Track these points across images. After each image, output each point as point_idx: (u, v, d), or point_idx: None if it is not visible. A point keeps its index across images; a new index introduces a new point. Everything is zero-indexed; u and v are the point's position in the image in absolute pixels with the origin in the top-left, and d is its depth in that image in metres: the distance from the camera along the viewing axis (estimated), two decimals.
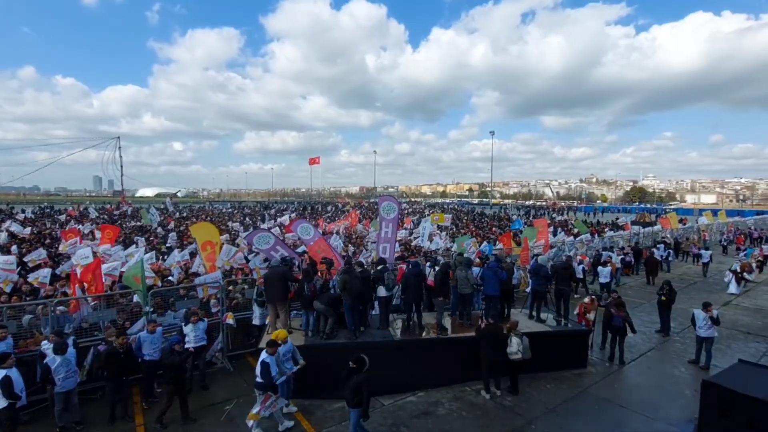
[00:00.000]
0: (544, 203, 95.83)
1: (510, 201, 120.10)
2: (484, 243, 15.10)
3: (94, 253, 12.63)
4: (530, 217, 38.49)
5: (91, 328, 7.96)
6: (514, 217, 37.66)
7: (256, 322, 8.99)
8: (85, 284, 8.88)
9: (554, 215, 45.20)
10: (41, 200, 71.89)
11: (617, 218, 38.72)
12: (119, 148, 60.19)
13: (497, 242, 18.09)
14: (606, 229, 27.26)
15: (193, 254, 13.82)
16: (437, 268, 8.91)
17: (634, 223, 31.47)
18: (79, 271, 9.43)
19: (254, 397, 7.59)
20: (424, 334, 8.48)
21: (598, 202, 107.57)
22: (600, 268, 14.66)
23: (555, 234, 22.64)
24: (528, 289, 10.24)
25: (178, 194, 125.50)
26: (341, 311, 8.18)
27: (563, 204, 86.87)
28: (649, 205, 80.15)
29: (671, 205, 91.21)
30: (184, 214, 37.93)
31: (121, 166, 60.07)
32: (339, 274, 8.20)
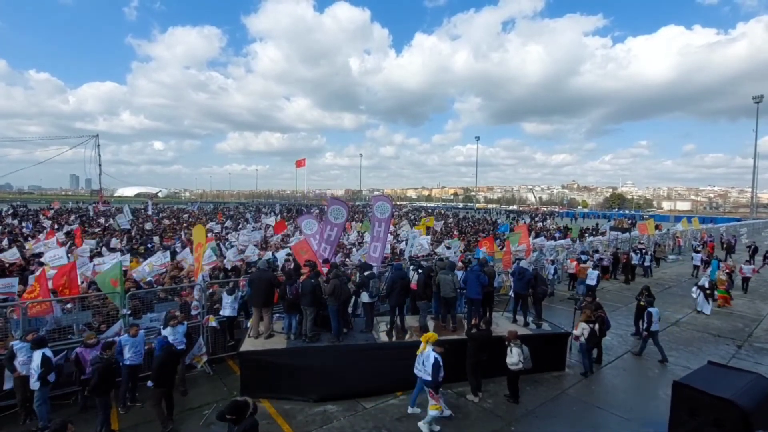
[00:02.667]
0: (527, 208, 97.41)
1: (494, 205, 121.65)
2: (483, 249, 15.23)
3: (69, 255, 12.30)
4: (514, 221, 39.10)
5: (65, 331, 7.74)
6: (500, 221, 38.17)
7: (225, 312, 8.86)
8: (47, 287, 8.56)
9: (537, 220, 45.96)
10: (14, 198, 69.48)
11: (597, 224, 39.63)
12: (98, 146, 58.65)
13: (479, 247, 18.32)
14: (586, 234, 27.89)
15: (174, 254, 13.61)
16: (420, 271, 8.96)
17: (612, 228, 32.27)
18: (51, 272, 9.16)
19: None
20: (407, 336, 8.54)
21: (579, 207, 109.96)
22: (589, 270, 14.93)
23: (535, 238, 23.05)
24: (511, 293, 10.39)
25: (159, 194, 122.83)
26: (324, 313, 8.18)
27: (545, 209, 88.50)
28: (628, 212, 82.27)
29: (649, 211, 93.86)
30: (165, 215, 37.18)
31: (100, 165, 58.52)
32: (328, 279, 8.15)
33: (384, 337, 8.44)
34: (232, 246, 16.83)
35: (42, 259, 12.11)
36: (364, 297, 8.65)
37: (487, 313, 9.51)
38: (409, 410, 7.18)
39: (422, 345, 6.89)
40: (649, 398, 7.90)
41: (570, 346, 9.39)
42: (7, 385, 6.60)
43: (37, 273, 9.43)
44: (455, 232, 27.79)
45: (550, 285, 14.87)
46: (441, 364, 6.50)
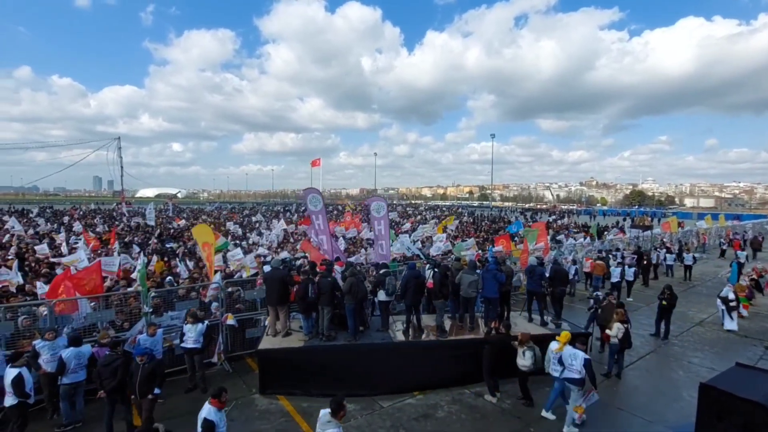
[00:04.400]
0: (544, 206, 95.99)
1: (510, 203, 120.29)
2: (499, 248, 15.12)
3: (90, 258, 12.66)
4: (529, 220, 38.57)
5: (90, 328, 7.97)
6: (514, 219, 37.72)
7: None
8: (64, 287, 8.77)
9: (556, 218, 45.19)
10: (41, 200, 71.96)
11: (618, 221, 38.78)
12: (119, 148, 60.17)
13: (495, 244, 18.15)
14: (606, 233, 27.30)
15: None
16: (437, 270, 8.91)
17: (633, 226, 31.52)
18: (74, 271, 9.43)
19: (252, 398, 7.68)
20: (423, 336, 8.51)
21: (598, 205, 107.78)
22: (612, 268, 14.64)
23: (554, 237, 22.68)
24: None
25: (179, 195, 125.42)
26: (341, 312, 8.22)
27: (562, 207, 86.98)
28: (648, 209, 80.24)
29: (671, 208, 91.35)
30: (185, 216, 37.94)
31: (122, 167, 60.04)
32: (346, 277, 8.18)
33: (400, 337, 8.44)
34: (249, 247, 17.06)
35: (65, 261, 12.45)
36: (381, 295, 8.66)
37: (505, 313, 9.42)
38: (544, 413, 7.08)
39: (559, 345, 6.87)
40: (673, 400, 7.69)
41: (590, 347, 9.21)
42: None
43: (62, 273, 9.72)
44: (471, 231, 27.59)
45: (571, 285, 14.61)
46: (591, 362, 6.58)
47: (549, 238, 19.27)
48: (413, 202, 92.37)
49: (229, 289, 9.53)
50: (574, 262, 15.93)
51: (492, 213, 53.70)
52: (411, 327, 8.64)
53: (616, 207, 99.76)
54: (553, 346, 6.98)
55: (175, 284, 10.49)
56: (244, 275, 11.42)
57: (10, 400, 5.83)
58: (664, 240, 22.93)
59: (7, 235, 18.81)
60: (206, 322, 7.98)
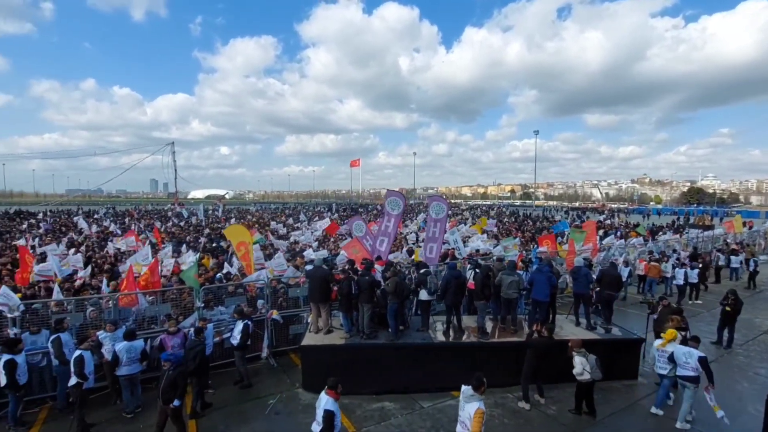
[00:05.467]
0: (592, 205, 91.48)
1: (555, 202, 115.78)
2: (543, 248, 14.62)
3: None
4: (574, 218, 36.92)
5: (149, 321, 8.56)
6: (558, 218, 36.28)
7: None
8: (134, 281, 9.45)
9: (605, 217, 42.98)
10: (104, 201, 77.92)
11: (673, 222, 36.26)
12: (173, 152, 64.00)
13: (539, 245, 17.53)
14: (660, 233, 25.62)
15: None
16: (478, 271, 8.76)
17: (691, 226, 29.36)
18: (143, 269, 10.15)
19: (296, 393, 7.92)
20: (464, 337, 8.41)
21: (651, 203, 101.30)
22: (677, 270, 13.85)
23: (604, 237, 21.59)
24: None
25: (227, 196, 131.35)
26: (381, 311, 8.29)
27: (611, 206, 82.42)
28: (709, 207, 74.36)
29: (735, 206, 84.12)
30: (232, 216, 39.67)
31: (175, 170, 63.82)
32: (387, 277, 8.24)
33: (441, 337, 8.38)
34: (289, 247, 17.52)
35: (134, 258, 13.38)
36: (423, 295, 8.63)
37: (550, 316, 9.10)
38: (653, 410, 7.17)
39: (662, 341, 7.04)
40: (737, 413, 7.08)
41: (644, 353, 8.71)
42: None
43: (126, 269, 10.48)
44: (514, 231, 26.82)
45: (624, 289, 13.87)
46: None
47: (598, 238, 18.37)
48: (453, 201, 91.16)
49: (274, 286, 9.87)
50: (627, 263, 15.09)
51: (535, 212, 51.91)
52: (451, 327, 8.56)
53: (671, 206, 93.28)
54: (656, 343, 7.18)
55: (225, 281, 11.00)
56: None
57: (72, 380, 6.41)
58: (728, 241, 21.18)
59: (81, 236, 20.56)
60: (245, 320, 8.18)
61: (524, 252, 15.49)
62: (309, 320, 8.93)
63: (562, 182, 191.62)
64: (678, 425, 6.67)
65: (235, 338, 8.06)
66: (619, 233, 24.77)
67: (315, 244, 18.99)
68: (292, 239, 21.31)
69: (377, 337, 8.19)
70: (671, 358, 6.84)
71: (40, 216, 34.45)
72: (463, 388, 5.16)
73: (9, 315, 7.28)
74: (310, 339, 8.26)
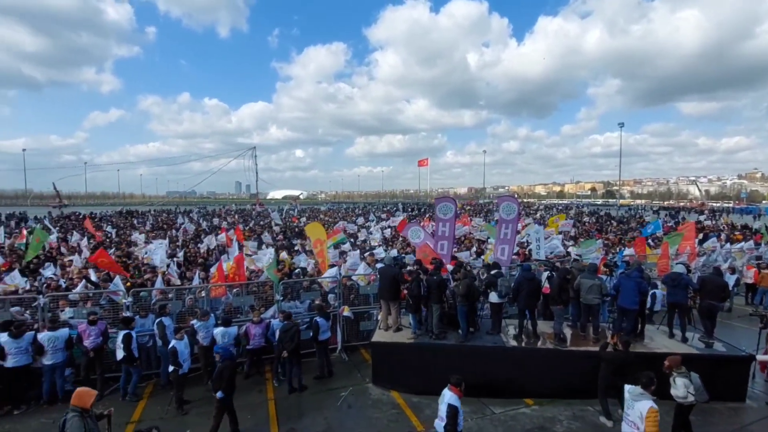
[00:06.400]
0: (688, 204, 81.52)
1: (643, 201, 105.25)
2: (630, 251, 13.47)
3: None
4: (666, 218, 33.18)
5: (235, 311, 9.36)
6: (649, 218, 32.88)
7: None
8: (223, 274, 10.40)
9: (705, 218, 38.08)
10: (197, 202, 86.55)
11: None
12: (255, 156, 69.23)
13: (627, 247, 16.06)
14: None
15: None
16: (555, 274, 8.29)
17: None
18: (226, 264, 11.15)
19: (366, 387, 8.12)
20: (539, 343, 7.99)
21: (764, 202, 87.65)
22: None
23: (704, 240, 19.17)
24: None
25: (301, 196, 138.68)
26: (451, 312, 8.20)
27: (713, 205, 72.57)
28: None
29: None
30: (305, 216, 41.80)
31: (257, 173, 68.96)
32: (461, 278, 8.14)
33: (513, 342, 8.05)
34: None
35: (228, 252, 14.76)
36: (493, 297, 8.38)
37: (638, 326, 8.30)
38: None
39: None
40: None
41: (754, 374, 7.59)
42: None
43: (216, 263, 11.57)
44: (594, 232, 24.86)
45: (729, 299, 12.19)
46: None
47: (697, 241, 16.38)
48: (526, 200, 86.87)
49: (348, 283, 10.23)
50: (733, 270, 13.26)
51: (620, 212, 47.55)
52: (525, 332, 8.18)
53: None
54: None
55: (302, 277, 11.64)
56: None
57: (169, 367, 7.23)
58: None
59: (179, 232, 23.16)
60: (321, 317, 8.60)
61: (609, 255, 14.33)
62: (379, 317, 9.11)
63: (652, 179, 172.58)
64: None
65: (324, 333, 8.48)
66: (722, 236, 21.83)
67: (381, 244, 19.34)
68: (362, 238, 21.90)
69: (446, 338, 8.11)
70: None
71: (147, 215, 39.28)
72: (628, 387, 5.09)
73: (123, 301, 8.43)
74: (379, 336, 8.43)
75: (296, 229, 26.53)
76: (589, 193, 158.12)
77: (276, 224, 29.23)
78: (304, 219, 34.02)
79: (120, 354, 7.43)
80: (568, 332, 8.33)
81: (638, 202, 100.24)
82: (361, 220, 33.11)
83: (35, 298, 8.44)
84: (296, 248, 17.74)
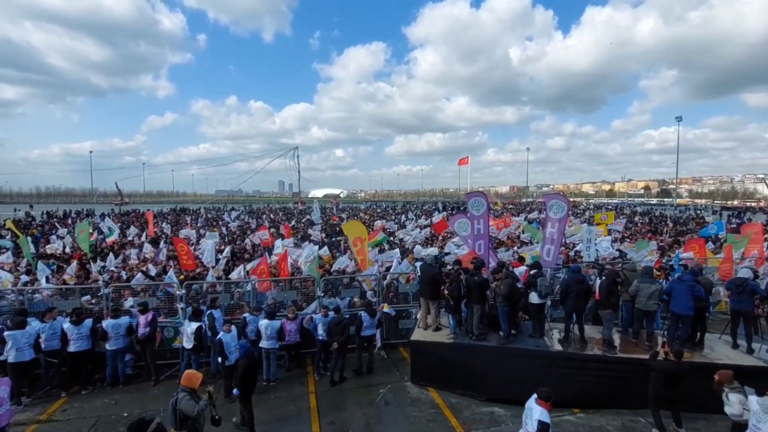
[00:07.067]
0: (756, 204, 74.65)
1: (704, 200, 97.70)
2: (689, 254, 12.60)
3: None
4: (729, 219, 30.59)
5: (279, 305, 9.70)
6: (710, 219, 30.47)
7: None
8: (268, 269, 10.82)
9: None
10: (244, 201, 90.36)
11: None
12: (297, 156, 71.23)
13: (684, 250, 14.98)
14: None
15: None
16: (604, 276, 7.89)
17: None
18: (273, 258, 11.59)
19: (404, 385, 8.14)
20: (587, 349, 7.65)
21: None
22: None
23: None
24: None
25: (341, 195, 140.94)
26: (492, 312, 8.04)
27: None
28: None
29: None
30: (345, 215, 42.44)
31: (299, 172, 70.92)
32: (503, 278, 7.98)
33: (558, 346, 7.76)
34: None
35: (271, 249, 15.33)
36: (533, 297, 8.11)
37: (698, 335, 7.75)
38: None
39: None
40: None
41: None
42: None
43: (260, 259, 12.03)
44: (648, 233, 23.38)
45: None
46: None
47: (766, 245, 14.97)
48: (573, 200, 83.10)
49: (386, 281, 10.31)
50: None
51: (676, 212, 44.41)
52: (572, 337, 7.85)
53: None
54: None
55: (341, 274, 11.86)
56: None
57: (218, 358, 7.59)
58: None
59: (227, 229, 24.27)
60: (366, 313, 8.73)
61: (664, 258, 13.45)
62: (418, 316, 9.10)
63: (713, 177, 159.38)
64: None
65: (368, 329, 8.62)
66: None
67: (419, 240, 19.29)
68: (401, 236, 21.93)
69: (487, 339, 7.97)
70: None
71: (199, 212, 41.55)
72: (758, 398, 4.94)
73: (178, 293, 8.98)
74: (418, 335, 8.42)
75: (336, 228, 27.01)
76: (642, 192, 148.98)
77: (316, 222, 29.91)
78: (344, 216, 34.58)
79: (189, 344, 7.94)
80: (617, 338, 7.93)
81: (697, 201, 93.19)
82: (400, 219, 33.16)
83: (99, 288, 9.19)
84: (339, 246, 18.06)
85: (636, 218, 33.60)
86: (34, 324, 7.62)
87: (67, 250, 17.97)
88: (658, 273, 10.17)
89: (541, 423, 4.75)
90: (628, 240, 19.90)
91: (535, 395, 5.10)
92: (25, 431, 6.72)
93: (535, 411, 4.94)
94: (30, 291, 9.33)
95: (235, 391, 6.40)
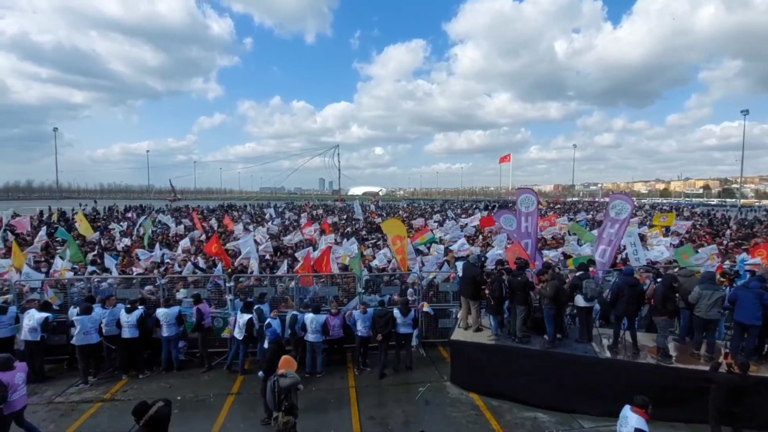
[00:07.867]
0: None
1: None
2: (758, 259, 11.60)
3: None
4: None
5: (320, 300, 9.93)
6: None
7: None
8: (310, 265, 11.04)
9: None
10: (285, 198, 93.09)
11: None
12: (338, 154, 72.48)
13: (751, 255, 13.77)
14: None
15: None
16: (660, 281, 7.43)
17: None
18: (316, 254, 11.87)
19: (444, 385, 8.09)
20: (639, 357, 7.24)
21: None
22: None
23: None
24: None
25: (380, 193, 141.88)
26: (537, 315, 7.81)
27: None
28: None
29: None
30: (384, 213, 42.63)
31: (339, 170, 72.15)
32: (549, 280, 7.73)
33: (607, 352, 7.40)
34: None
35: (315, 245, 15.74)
36: (579, 300, 7.77)
37: (765, 347, 7.13)
38: None
39: None
40: None
41: None
42: None
43: (304, 254, 12.33)
44: (706, 236, 21.71)
45: None
46: None
47: None
48: None
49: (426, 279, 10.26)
50: None
51: (740, 213, 40.85)
52: (623, 344, 7.45)
53: None
54: None
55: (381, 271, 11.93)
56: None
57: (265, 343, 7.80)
58: None
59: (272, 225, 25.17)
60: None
61: (725, 264, 12.44)
62: (458, 316, 9.00)
63: None
64: None
65: (403, 327, 8.72)
66: None
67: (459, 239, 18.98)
68: (440, 235, 21.73)
69: (530, 342, 7.74)
70: None
71: (245, 208, 43.33)
72: None
73: (226, 285, 9.43)
74: (459, 334, 8.33)
75: (375, 225, 27.21)
76: (701, 191, 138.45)
77: (356, 218, 30.28)
78: (384, 214, 34.75)
79: (240, 335, 8.36)
80: (672, 347, 7.44)
81: (765, 202, 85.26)
82: (438, 217, 32.84)
83: (156, 279, 9.83)
84: (377, 243, 18.20)
85: (697, 220, 31.25)
86: (98, 310, 8.30)
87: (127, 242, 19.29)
88: (721, 279, 9.43)
89: (638, 431, 4.60)
90: (690, 243, 18.58)
91: (628, 405, 4.91)
92: (91, 408, 7.34)
93: (631, 419, 4.76)
94: (97, 280, 10.11)
95: (260, 373, 6.68)
